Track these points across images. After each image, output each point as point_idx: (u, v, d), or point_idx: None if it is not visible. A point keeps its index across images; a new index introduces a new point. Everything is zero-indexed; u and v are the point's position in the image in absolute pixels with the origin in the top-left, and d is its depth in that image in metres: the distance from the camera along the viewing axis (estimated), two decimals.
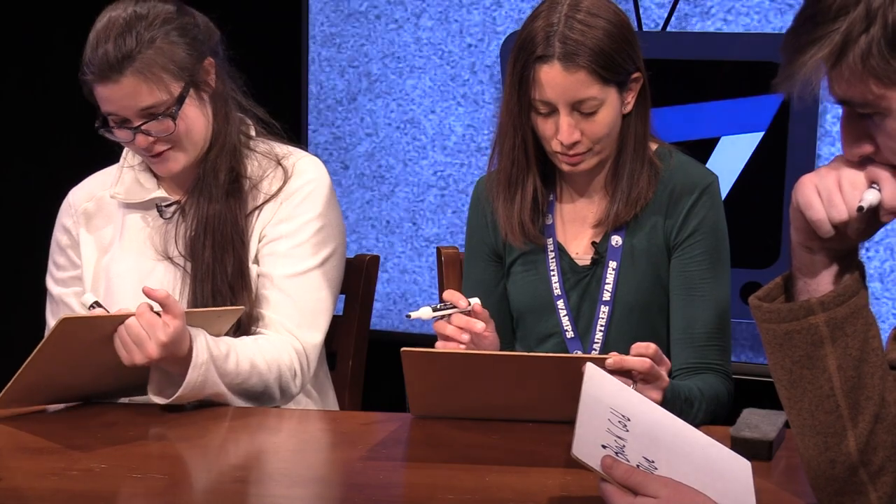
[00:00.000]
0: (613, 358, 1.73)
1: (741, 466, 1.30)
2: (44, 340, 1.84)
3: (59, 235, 2.22)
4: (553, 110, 1.98)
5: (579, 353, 2.05)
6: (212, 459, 1.78)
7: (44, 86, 3.57)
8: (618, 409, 1.36)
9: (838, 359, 1.37)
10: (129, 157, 2.19)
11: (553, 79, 1.95)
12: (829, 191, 1.36)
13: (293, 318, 2.09)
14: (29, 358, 1.87)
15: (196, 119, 2.09)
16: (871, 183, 1.36)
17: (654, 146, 2.11)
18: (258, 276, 2.11)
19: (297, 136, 2.43)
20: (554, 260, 2.10)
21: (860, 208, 1.34)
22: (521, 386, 1.81)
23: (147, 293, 1.87)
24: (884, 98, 1.31)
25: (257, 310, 2.10)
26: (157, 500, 1.59)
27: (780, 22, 3.20)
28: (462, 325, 1.91)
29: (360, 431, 1.92)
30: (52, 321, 2.19)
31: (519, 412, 1.85)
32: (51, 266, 2.23)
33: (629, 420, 1.35)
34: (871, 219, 1.37)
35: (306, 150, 2.25)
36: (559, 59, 1.94)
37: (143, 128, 2.04)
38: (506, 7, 3.46)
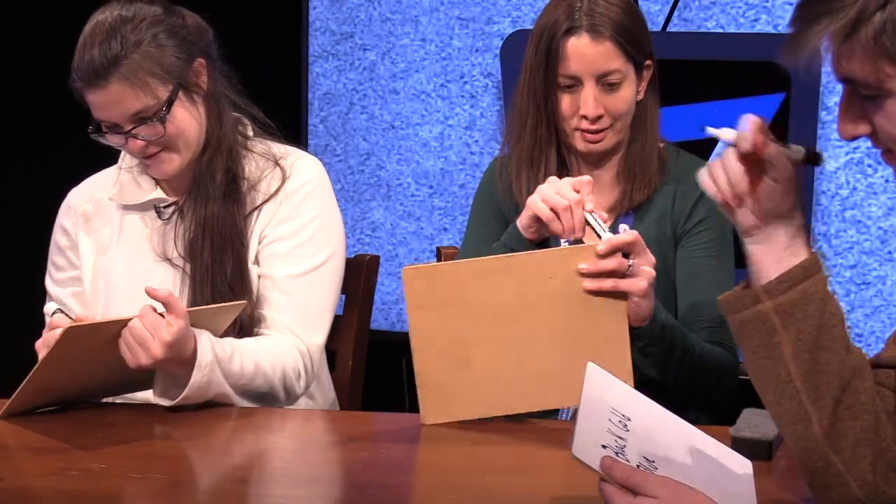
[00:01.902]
0: (603, 244, 1.78)
1: (742, 466, 1.30)
2: (49, 349, 1.83)
3: (58, 236, 2.22)
4: (577, 84, 2.03)
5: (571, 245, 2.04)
6: (212, 459, 1.78)
7: (44, 86, 3.57)
8: (618, 409, 1.36)
9: (792, 344, 1.37)
10: (126, 158, 2.19)
11: (581, 49, 2.02)
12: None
13: (295, 319, 2.09)
14: (35, 368, 1.87)
15: (187, 121, 2.08)
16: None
17: (661, 144, 2.16)
18: (259, 277, 2.11)
19: (296, 135, 2.44)
20: (567, 243, 2.11)
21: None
22: (521, 290, 1.79)
23: (149, 293, 1.86)
24: (891, 78, 1.29)
25: (259, 311, 2.09)
26: (158, 500, 1.59)
27: (781, 22, 3.20)
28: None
29: (360, 431, 1.92)
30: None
31: (521, 326, 1.81)
32: (50, 267, 2.23)
33: (630, 420, 1.35)
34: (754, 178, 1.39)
35: (305, 150, 2.25)
36: (587, 30, 2.01)
37: (133, 132, 2.03)
38: (507, 7, 3.46)
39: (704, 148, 3.15)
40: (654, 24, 3.27)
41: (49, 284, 2.22)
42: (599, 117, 2.05)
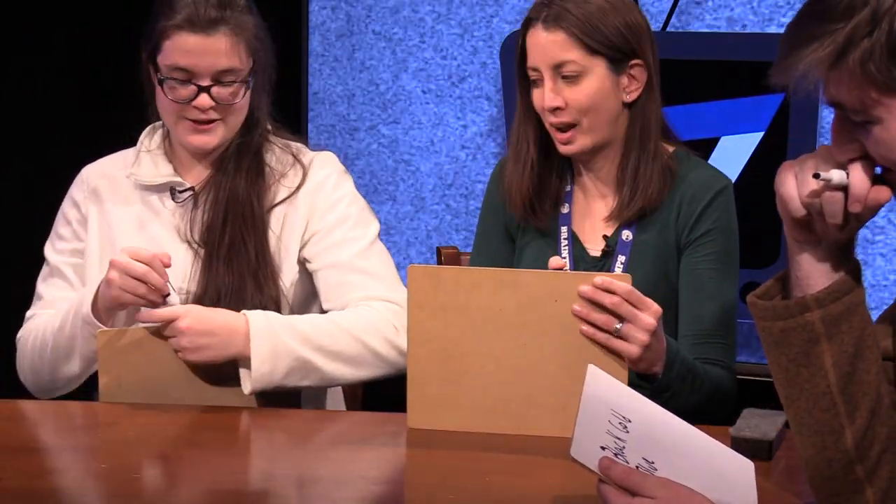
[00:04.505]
0: (600, 279, 1.75)
1: (743, 466, 1.30)
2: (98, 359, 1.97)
3: (67, 208, 2.21)
4: (541, 77, 2.05)
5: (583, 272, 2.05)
6: (211, 459, 1.78)
7: (44, 86, 3.57)
8: (618, 411, 1.36)
9: (834, 356, 1.37)
10: (145, 142, 2.19)
11: (535, 40, 2.04)
12: (805, 171, 1.36)
13: (377, 288, 2.09)
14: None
15: (244, 106, 2.11)
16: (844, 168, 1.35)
17: (670, 148, 2.13)
18: (315, 272, 2.12)
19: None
20: (567, 248, 2.12)
21: (816, 175, 1.33)
22: (524, 308, 1.78)
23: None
24: (878, 105, 1.29)
25: (334, 302, 2.09)
26: (157, 500, 1.59)
27: (781, 22, 3.20)
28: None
29: (359, 431, 1.92)
30: (42, 289, 2.19)
31: (517, 343, 1.79)
32: (53, 236, 2.21)
33: (630, 421, 1.35)
34: (845, 213, 1.35)
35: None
36: (542, 21, 2.04)
37: (213, 90, 2.05)
38: (507, 7, 3.46)
39: (704, 148, 3.16)
40: (655, 24, 3.27)
41: (49, 253, 2.20)
42: (558, 109, 2.04)
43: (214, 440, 1.86)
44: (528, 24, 2.06)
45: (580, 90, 2.03)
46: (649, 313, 1.77)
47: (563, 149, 2.08)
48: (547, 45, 2.03)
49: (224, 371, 1.96)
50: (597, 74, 2.04)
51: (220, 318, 1.95)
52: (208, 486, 1.68)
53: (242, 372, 1.96)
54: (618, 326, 1.76)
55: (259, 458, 1.82)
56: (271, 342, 1.94)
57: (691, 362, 1.92)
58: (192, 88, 2.05)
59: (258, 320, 1.96)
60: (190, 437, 1.86)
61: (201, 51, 2.04)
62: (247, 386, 1.95)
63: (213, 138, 2.09)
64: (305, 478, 1.70)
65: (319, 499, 1.63)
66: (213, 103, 2.06)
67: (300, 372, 1.98)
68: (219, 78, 2.05)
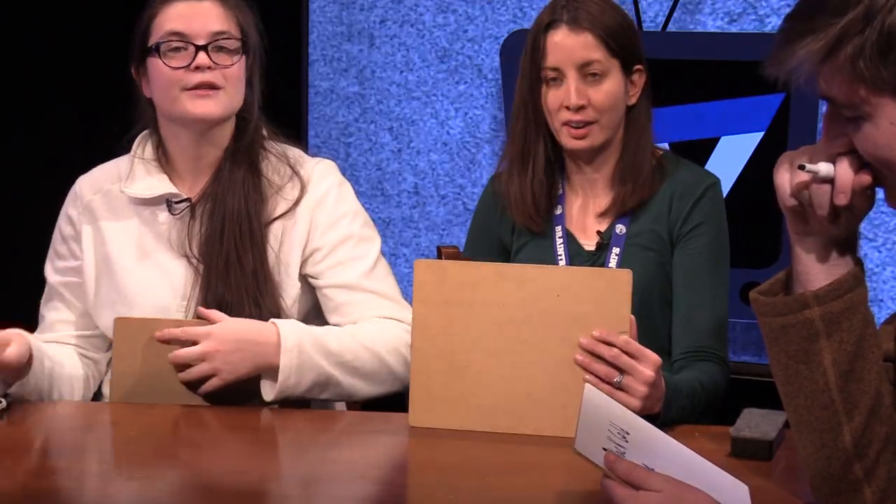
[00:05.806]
0: (598, 332, 1.75)
1: (739, 491, 1.30)
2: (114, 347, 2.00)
3: (62, 224, 2.19)
4: (561, 77, 2.09)
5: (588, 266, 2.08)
6: (212, 459, 1.78)
7: (43, 84, 3.57)
8: (617, 424, 1.37)
9: (833, 353, 1.37)
10: (139, 150, 2.17)
11: (561, 41, 2.09)
12: (797, 162, 1.37)
13: (385, 307, 2.10)
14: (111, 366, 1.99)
15: (242, 79, 2.10)
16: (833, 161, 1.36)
17: (659, 151, 2.20)
18: (321, 289, 2.12)
19: (296, 135, 2.43)
20: (562, 245, 2.14)
21: (801, 166, 1.35)
22: (527, 302, 1.79)
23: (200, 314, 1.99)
24: (866, 103, 1.30)
25: (348, 317, 2.10)
26: (158, 500, 1.59)
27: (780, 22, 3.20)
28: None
29: (359, 431, 1.92)
30: (43, 311, 2.18)
31: (521, 338, 1.80)
32: (51, 254, 2.20)
33: (628, 433, 1.36)
34: (836, 207, 1.36)
35: (306, 150, 2.25)
36: (566, 23, 2.09)
37: (209, 50, 2.04)
38: (507, 6, 3.46)
39: (704, 148, 3.17)
40: (654, 24, 3.27)
41: (48, 271, 2.19)
42: (582, 107, 2.09)
43: (215, 440, 1.86)
44: (549, 25, 2.10)
45: (603, 90, 2.09)
46: (647, 365, 1.77)
47: (574, 143, 2.11)
48: (574, 45, 2.08)
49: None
50: (615, 76, 2.11)
51: (242, 327, 1.96)
52: (209, 485, 1.68)
53: (266, 382, 1.97)
54: (618, 379, 1.76)
55: (259, 458, 1.82)
56: (300, 357, 1.96)
57: (688, 388, 1.91)
58: (190, 50, 2.05)
59: (290, 334, 1.96)
60: (190, 437, 1.86)
61: (192, 14, 2.06)
62: (269, 395, 1.97)
63: (216, 106, 2.07)
64: (306, 477, 1.70)
65: (320, 498, 1.63)
66: (211, 63, 2.05)
67: (321, 386, 2.00)
68: (214, 41, 2.05)
